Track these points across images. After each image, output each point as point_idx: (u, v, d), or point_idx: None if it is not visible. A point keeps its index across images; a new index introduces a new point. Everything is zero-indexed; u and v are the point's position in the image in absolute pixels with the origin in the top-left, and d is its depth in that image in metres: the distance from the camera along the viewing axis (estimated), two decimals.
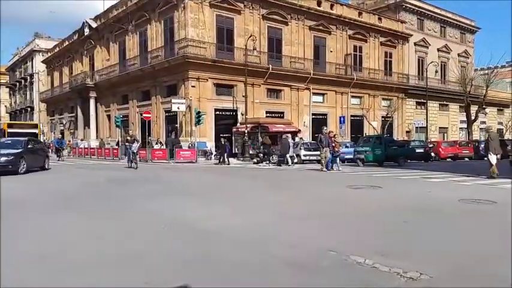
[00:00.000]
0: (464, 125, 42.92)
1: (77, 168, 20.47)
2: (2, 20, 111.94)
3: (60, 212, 7.28)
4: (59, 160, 26.87)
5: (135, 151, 19.07)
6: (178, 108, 27.23)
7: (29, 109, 59.72)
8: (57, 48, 49.83)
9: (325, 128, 18.27)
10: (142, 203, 8.25)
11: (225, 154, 23.23)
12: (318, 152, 25.43)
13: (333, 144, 17.46)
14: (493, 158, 13.17)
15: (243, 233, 5.52)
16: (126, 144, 19.76)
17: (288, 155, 21.57)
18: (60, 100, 49.10)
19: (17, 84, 65.52)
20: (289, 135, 24.33)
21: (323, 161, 17.03)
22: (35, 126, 31.75)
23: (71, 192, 10.13)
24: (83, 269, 3.98)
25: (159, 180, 13.69)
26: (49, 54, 52.74)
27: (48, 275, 3.83)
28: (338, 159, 18.11)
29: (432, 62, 39.50)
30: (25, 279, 3.71)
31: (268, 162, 22.81)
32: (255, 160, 24.75)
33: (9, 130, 28.91)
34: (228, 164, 22.77)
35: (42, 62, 54.88)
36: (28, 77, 60.58)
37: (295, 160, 22.88)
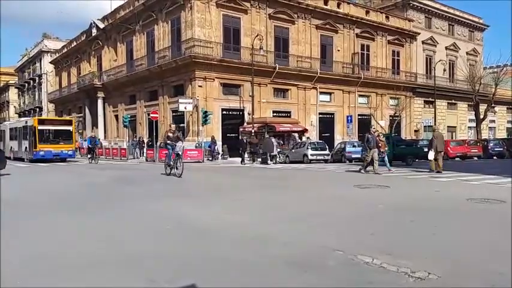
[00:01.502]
0: (473, 124, 42.53)
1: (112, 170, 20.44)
2: (11, 21, 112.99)
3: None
4: (91, 162, 23.65)
5: (180, 152, 13.81)
6: (185, 108, 27.32)
7: (37, 109, 60.22)
8: (65, 49, 50.21)
9: (373, 127, 16.16)
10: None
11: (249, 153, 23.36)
12: (325, 152, 25.77)
13: (379, 144, 15.52)
14: (431, 155, 15.16)
15: (247, 232, 5.52)
16: (168, 142, 14.12)
17: (270, 154, 22.96)
18: (68, 100, 49.48)
19: (26, 84, 66.13)
20: (273, 137, 25.25)
21: (375, 165, 14.89)
22: (70, 122, 26.81)
23: None
24: (86, 268, 4.00)
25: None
26: (57, 54, 53.15)
27: (49, 275, 3.85)
28: (385, 159, 16.26)
29: (440, 60, 39.23)
30: (25, 279, 3.73)
31: (253, 161, 23.74)
32: (260, 159, 24.81)
33: (40, 127, 24.43)
34: (244, 164, 22.64)
35: (51, 62, 55.31)
36: (37, 78, 61.11)
37: (278, 159, 23.94)
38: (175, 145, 13.80)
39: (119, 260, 4.25)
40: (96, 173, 16.56)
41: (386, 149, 16.82)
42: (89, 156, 24.72)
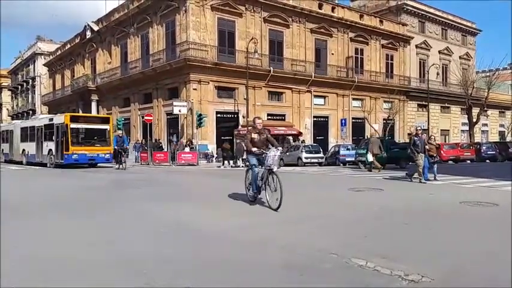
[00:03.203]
0: (466, 128, 42.86)
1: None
2: (4, 22, 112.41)
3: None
4: (119, 167, 20.07)
5: (274, 167, 7.46)
6: (179, 111, 27.26)
7: (30, 112, 59.83)
8: (59, 51, 49.99)
9: (419, 128, 13.86)
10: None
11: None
12: (319, 155, 25.83)
13: (427, 148, 13.50)
14: (369, 157, 18.20)
15: (242, 234, 5.52)
16: (254, 151, 7.91)
17: (241, 159, 23.28)
18: (62, 103, 49.19)
19: (19, 87, 65.74)
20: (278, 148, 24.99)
21: (419, 169, 12.97)
22: (107, 120, 22.73)
23: None
24: (84, 269, 3.98)
25: None
26: (51, 57, 52.90)
27: (47, 276, 3.83)
28: (436, 166, 13.84)
29: (434, 64, 39.51)
30: (24, 280, 3.71)
31: (226, 165, 23.87)
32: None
33: (73, 125, 20.35)
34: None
35: (44, 65, 55.03)
36: (30, 80, 60.77)
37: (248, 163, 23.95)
38: (265, 155, 7.56)
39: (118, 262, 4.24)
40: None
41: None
42: (115, 161, 20.95)
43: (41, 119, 24.59)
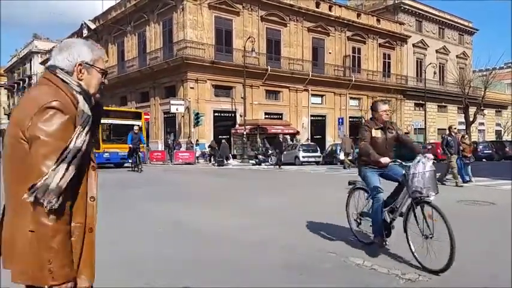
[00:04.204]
0: (463, 127, 42.87)
1: None
2: (3, 22, 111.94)
3: None
4: (134, 169, 16.88)
5: (431, 194, 4.20)
6: (176, 109, 27.22)
7: None
8: None
9: (454, 127, 12.66)
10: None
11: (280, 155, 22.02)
12: (316, 154, 25.85)
13: (461, 148, 12.22)
14: (341, 155, 21.00)
15: (242, 234, 5.52)
16: (381, 163, 4.46)
17: (226, 156, 24.27)
18: None
19: (15, 85, 65.48)
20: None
21: (455, 171, 11.72)
22: (138, 115, 20.73)
23: None
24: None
25: None
26: (47, 55, 52.69)
27: None
28: (470, 168, 12.55)
29: (431, 63, 39.57)
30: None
31: (209, 161, 25.05)
32: (253, 161, 24.93)
33: (104, 121, 17.57)
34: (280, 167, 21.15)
35: (41, 63, 54.83)
36: (26, 79, 60.53)
37: (230, 161, 25.23)
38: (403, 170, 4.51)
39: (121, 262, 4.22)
40: None
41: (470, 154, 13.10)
42: (130, 161, 17.78)
43: None
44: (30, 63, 58.77)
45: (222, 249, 4.82)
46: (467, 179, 12.17)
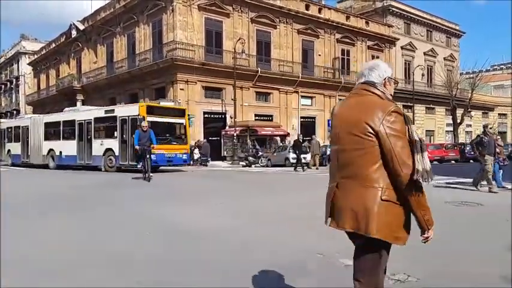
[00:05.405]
0: (451, 128, 43.48)
1: None
2: None
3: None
4: (145, 178, 13.24)
5: None
6: None
7: (14, 112, 58.88)
8: (44, 51, 49.24)
9: (490, 126, 11.42)
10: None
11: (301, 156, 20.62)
12: (306, 155, 25.87)
13: (497, 150, 11.00)
14: (308, 156, 22.25)
15: (230, 235, 5.51)
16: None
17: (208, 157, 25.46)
18: (46, 103, 48.44)
19: (2, 86, 64.59)
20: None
21: (489, 175, 10.45)
22: (182, 113, 18.91)
23: None
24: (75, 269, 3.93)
25: None
26: (35, 56, 52.10)
27: (37, 276, 3.78)
28: (502, 171, 11.35)
29: (419, 65, 39.99)
30: (18, 279, 3.65)
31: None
32: (243, 163, 24.96)
33: (149, 119, 16.04)
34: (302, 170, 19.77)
35: (29, 64, 54.14)
36: (14, 80, 59.75)
37: (209, 162, 25.93)
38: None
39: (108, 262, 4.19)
40: None
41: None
42: (139, 166, 14.57)
43: (86, 110, 20.75)
44: (18, 63, 57.99)
45: (209, 248, 4.81)
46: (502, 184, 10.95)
